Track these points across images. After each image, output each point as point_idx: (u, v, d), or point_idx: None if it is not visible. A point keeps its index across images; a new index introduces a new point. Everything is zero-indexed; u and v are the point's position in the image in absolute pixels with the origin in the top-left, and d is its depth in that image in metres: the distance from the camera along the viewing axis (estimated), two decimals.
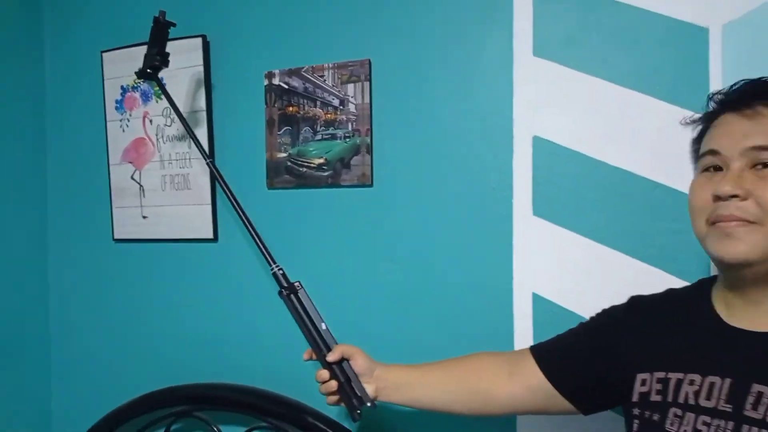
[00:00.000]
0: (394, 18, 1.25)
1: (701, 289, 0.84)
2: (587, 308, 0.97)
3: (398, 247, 1.26)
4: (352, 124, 1.29)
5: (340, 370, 1.01)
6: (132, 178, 1.50)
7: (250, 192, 1.37)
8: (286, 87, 1.34)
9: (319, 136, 1.32)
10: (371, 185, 1.27)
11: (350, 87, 1.29)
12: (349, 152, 1.29)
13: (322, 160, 1.32)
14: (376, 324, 1.28)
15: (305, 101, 1.33)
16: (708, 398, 0.73)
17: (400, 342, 1.25)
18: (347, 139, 1.29)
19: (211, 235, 1.42)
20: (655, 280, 1.04)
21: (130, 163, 1.50)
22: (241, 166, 1.39)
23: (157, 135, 1.46)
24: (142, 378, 1.48)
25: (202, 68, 1.40)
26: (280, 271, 1.07)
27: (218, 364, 1.42)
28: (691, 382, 0.75)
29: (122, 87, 1.49)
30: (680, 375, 0.77)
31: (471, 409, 0.98)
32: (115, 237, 1.53)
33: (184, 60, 1.40)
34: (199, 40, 1.39)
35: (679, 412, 0.76)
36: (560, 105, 1.12)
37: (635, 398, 0.82)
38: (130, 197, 1.50)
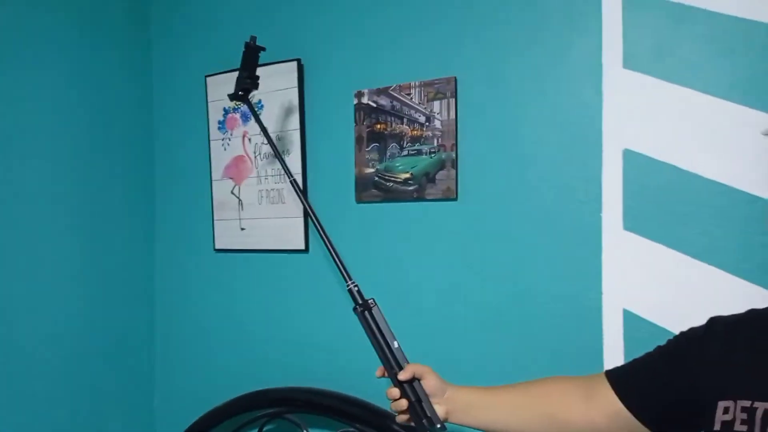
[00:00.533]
0: (479, 35, 1.27)
1: None
2: (681, 325, 0.93)
3: (483, 260, 1.27)
4: (437, 140, 1.32)
5: (411, 389, 1.00)
6: (232, 192, 1.61)
7: (339, 206, 1.44)
8: (375, 105, 1.40)
9: (405, 152, 1.36)
10: (456, 199, 1.30)
11: (436, 104, 1.32)
12: (434, 167, 1.33)
13: (408, 175, 1.36)
14: (459, 338, 1.29)
15: (392, 118, 1.38)
16: None
17: (483, 357, 1.26)
18: (432, 155, 1.33)
19: (302, 246, 1.50)
20: (754, 297, 0.99)
21: (231, 178, 1.62)
22: (331, 181, 1.46)
23: (255, 153, 1.57)
24: (238, 379, 1.58)
25: (296, 90, 1.49)
26: (356, 288, 1.07)
27: (309, 369, 1.49)
28: None
29: (224, 108, 1.62)
30: None
31: None
32: (216, 247, 1.65)
33: (280, 82, 1.50)
34: (294, 64, 1.49)
35: None
36: (652, 117, 1.10)
37: (717, 426, 0.77)
38: (230, 210, 1.62)
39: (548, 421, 0.95)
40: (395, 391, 1.01)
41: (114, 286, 1.69)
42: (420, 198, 1.34)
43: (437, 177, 1.32)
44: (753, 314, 0.84)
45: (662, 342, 0.92)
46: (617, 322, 1.12)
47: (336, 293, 1.45)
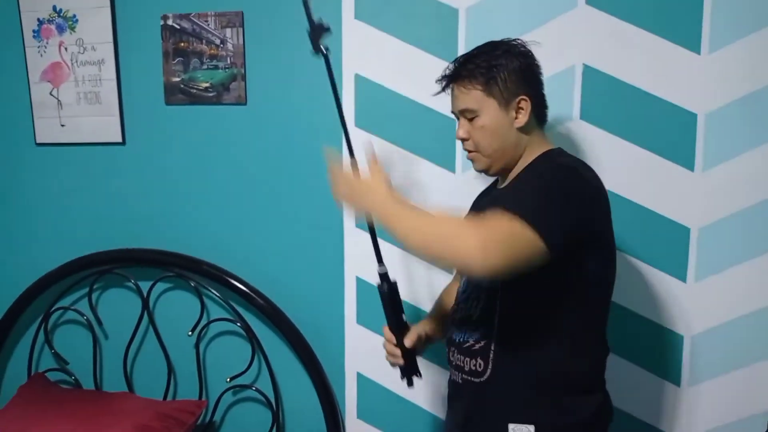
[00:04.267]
0: None
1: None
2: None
3: (266, 150, 1.79)
4: (230, 59, 1.77)
5: (408, 350, 1.33)
6: (51, 94, 1.88)
7: (151, 107, 1.82)
8: (178, 27, 1.79)
9: (205, 66, 1.79)
10: (245, 104, 1.78)
11: (228, 31, 1.76)
12: (228, 79, 1.78)
13: (207, 84, 1.80)
14: (243, 212, 1.82)
15: (193, 39, 1.79)
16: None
17: (264, 221, 1.81)
18: (227, 69, 1.78)
19: (120, 140, 1.87)
20: (456, 182, 1.69)
21: (49, 81, 1.87)
22: (144, 87, 1.83)
23: (72, 60, 1.85)
24: (64, 252, 1.91)
25: (109, 8, 1.79)
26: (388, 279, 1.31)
27: (131, 237, 1.90)
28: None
29: (38, 19, 1.84)
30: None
31: None
32: (38, 141, 1.92)
33: (93, 1, 1.78)
34: None
35: None
36: (372, 53, 1.69)
37: None
38: (50, 109, 1.88)
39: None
40: (398, 351, 1.33)
41: None
42: (218, 102, 1.80)
43: (231, 87, 1.78)
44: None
45: None
46: None
47: (150, 176, 1.86)
